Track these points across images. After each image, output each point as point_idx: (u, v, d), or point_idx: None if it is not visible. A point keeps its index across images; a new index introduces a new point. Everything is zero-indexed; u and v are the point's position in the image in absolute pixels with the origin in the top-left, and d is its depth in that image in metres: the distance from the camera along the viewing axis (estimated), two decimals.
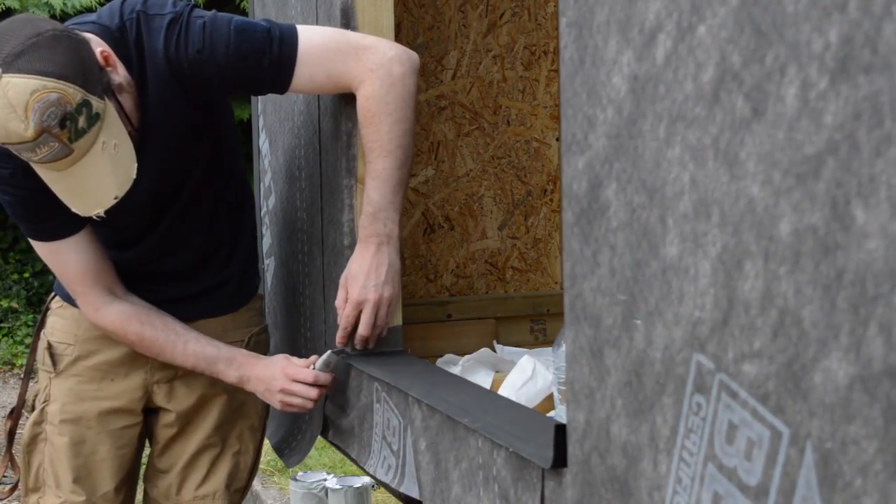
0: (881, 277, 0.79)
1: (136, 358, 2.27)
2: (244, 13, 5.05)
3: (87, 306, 2.19)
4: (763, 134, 0.92)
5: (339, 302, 2.06)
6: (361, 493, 3.68)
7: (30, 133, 1.76)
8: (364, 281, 2.02)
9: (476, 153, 2.70)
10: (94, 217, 1.93)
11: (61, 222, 2.08)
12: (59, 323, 2.32)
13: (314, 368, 2.12)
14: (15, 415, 2.38)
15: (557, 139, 2.77)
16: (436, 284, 2.69)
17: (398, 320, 2.12)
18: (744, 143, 0.94)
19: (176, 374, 2.30)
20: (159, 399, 2.31)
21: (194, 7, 2.03)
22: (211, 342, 2.20)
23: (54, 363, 2.29)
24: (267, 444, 2.52)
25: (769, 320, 0.92)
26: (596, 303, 1.20)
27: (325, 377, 2.12)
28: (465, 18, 2.66)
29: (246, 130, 5.60)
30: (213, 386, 2.30)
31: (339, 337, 2.08)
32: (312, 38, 2.03)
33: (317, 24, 2.23)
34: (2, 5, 6.54)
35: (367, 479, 3.68)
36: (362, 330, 2.04)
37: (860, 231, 0.81)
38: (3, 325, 7.63)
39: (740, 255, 0.96)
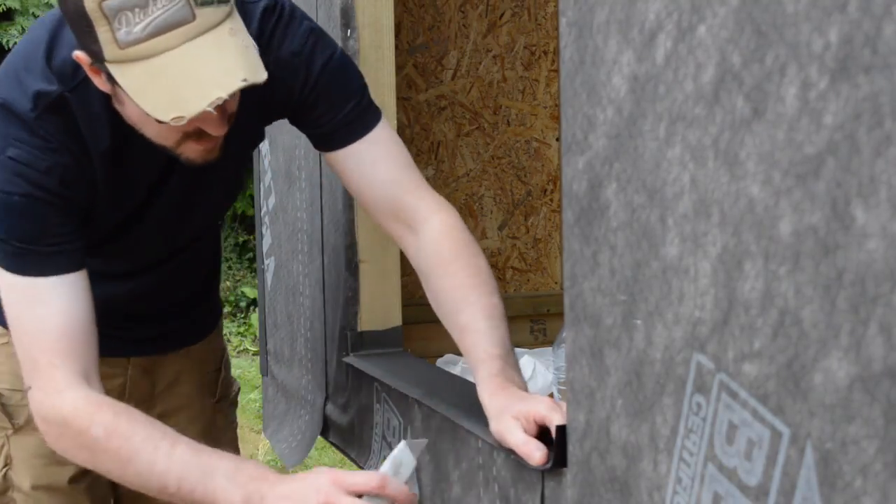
0: (881, 277, 0.79)
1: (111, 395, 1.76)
2: None
3: (47, 383, 1.53)
4: (763, 134, 0.92)
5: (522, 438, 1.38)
6: None
7: None
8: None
9: (476, 153, 2.70)
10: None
11: (67, 251, 1.55)
12: (5, 365, 1.78)
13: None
14: None
15: (557, 139, 2.77)
16: None
17: (398, 320, 2.12)
18: (744, 143, 0.94)
19: (166, 410, 1.93)
20: None
21: (294, 4, 1.72)
22: (208, 449, 1.50)
23: (9, 416, 1.80)
24: (267, 443, 2.52)
25: (769, 320, 0.92)
26: (596, 303, 1.20)
27: (395, 487, 1.42)
28: (465, 18, 2.66)
29: None
30: (188, 429, 1.82)
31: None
32: (392, 132, 1.75)
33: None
34: (2, 6, 6.54)
35: None
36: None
37: (860, 231, 0.81)
38: None
39: (740, 255, 0.95)
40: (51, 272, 1.53)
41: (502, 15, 2.69)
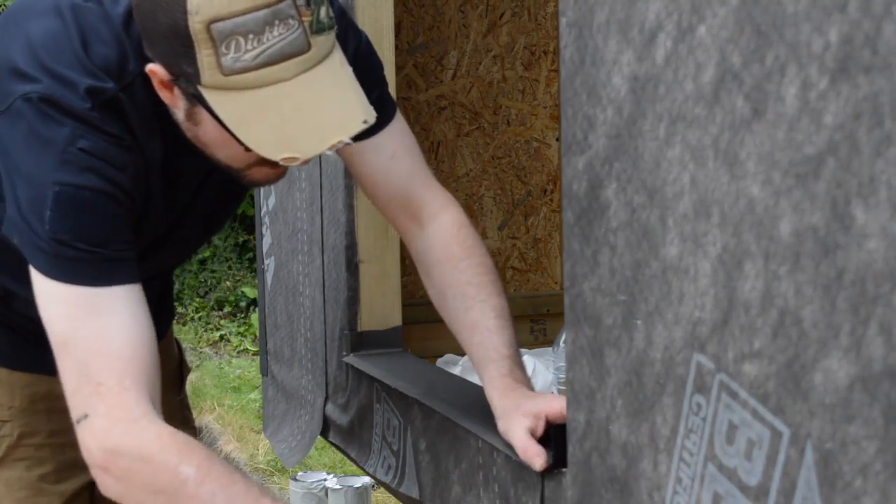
0: (881, 277, 0.79)
1: None
2: None
3: (116, 410, 1.33)
4: (763, 134, 0.92)
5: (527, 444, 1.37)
6: (361, 493, 3.68)
7: None
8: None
9: (476, 153, 2.70)
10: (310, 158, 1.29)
11: (131, 259, 1.38)
12: None
13: None
14: None
15: (557, 139, 2.77)
16: None
17: (398, 320, 2.12)
18: (744, 143, 0.94)
19: None
20: None
21: None
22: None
23: None
24: (267, 443, 2.52)
25: (769, 320, 0.92)
26: (596, 303, 1.20)
27: None
28: (465, 18, 2.66)
29: None
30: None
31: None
32: (406, 124, 1.69)
33: None
34: (2, 6, 6.55)
35: (367, 479, 3.68)
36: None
37: (860, 231, 0.81)
38: None
39: (740, 255, 0.95)
40: (118, 281, 1.35)
41: (502, 15, 2.69)
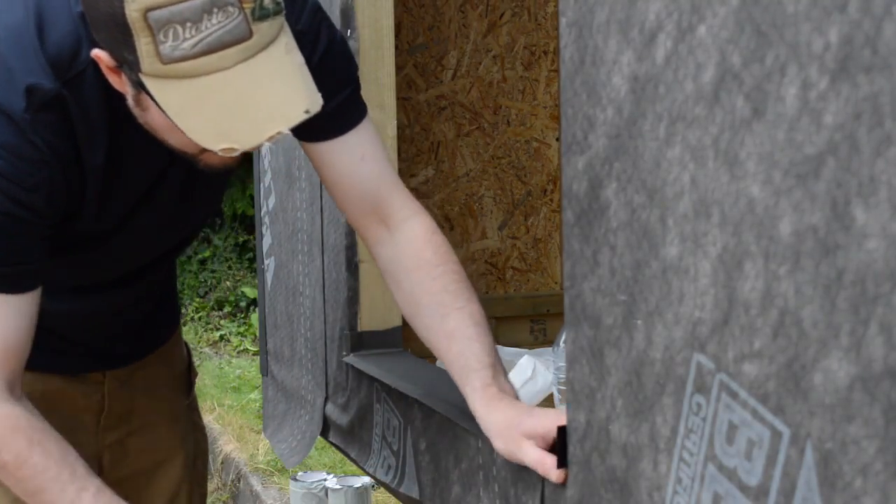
0: (881, 277, 0.79)
1: (77, 416, 1.73)
2: None
3: None
4: (763, 134, 0.92)
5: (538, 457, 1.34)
6: (361, 493, 3.68)
7: None
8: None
9: (476, 153, 2.70)
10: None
11: (26, 272, 1.46)
12: None
13: None
14: None
15: (557, 139, 2.77)
16: None
17: (398, 320, 2.12)
18: (744, 143, 0.94)
19: (147, 422, 1.84)
20: (108, 464, 1.81)
21: None
22: (116, 499, 1.49)
23: None
24: (267, 443, 2.52)
25: (769, 320, 0.92)
26: (596, 303, 1.20)
27: None
28: (465, 18, 2.66)
29: None
30: (171, 437, 1.86)
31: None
32: (374, 126, 1.66)
33: None
34: None
35: (367, 479, 3.68)
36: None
37: (860, 231, 0.81)
38: None
39: (740, 255, 0.95)
40: (3, 290, 1.43)
41: (502, 15, 2.69)
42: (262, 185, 2.78)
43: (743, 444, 0.97)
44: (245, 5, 1.24)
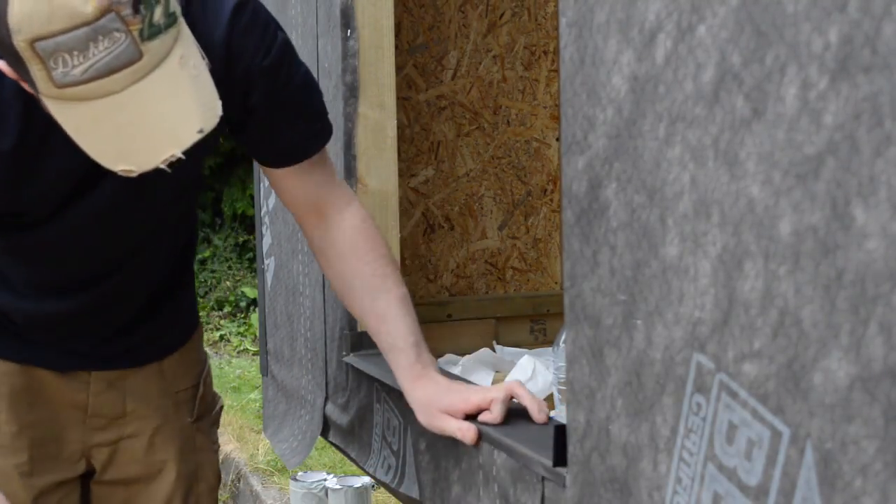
0: (881, 277, 0.79)
1: (63, 410, 1.75)
2: None
3: None
4: (763, 134, 0.92)
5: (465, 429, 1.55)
6: (361, 493, 3.68)
7: (89, 8, 1.20)
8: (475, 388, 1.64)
9: (476, 153, 2.70)
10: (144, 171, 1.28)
11: None
12: None
13: None
14: None
15: (557, 139, 2.77)
16: (436, 284, 2.69)
17: None
18: (744, 143, 0.94)
19: (139, 428, 1.82)
20: (99, 465, 1.81)
21: (264, 7, 1.60)
22: None
23: None
24: (267, 444, 2.52)
25: (769, 320, 0.92)
26: (596, 303, 1.20)
27: None
28: (465, 18, 2.66)
29: None
30: (165, 450, 1.83)
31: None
32: None
33: (317, 24, 2.23)
34: None
35: (367, 479, 3.68)
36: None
37: (860, 231, 0.81)
38: None
39: (740, 255, 0.95)
40: None
41: (502, 15, 2.69)
42: (262, 185, 2.78)
43: (743, 443, 0.97)
44: (132, 28, 1.23)
